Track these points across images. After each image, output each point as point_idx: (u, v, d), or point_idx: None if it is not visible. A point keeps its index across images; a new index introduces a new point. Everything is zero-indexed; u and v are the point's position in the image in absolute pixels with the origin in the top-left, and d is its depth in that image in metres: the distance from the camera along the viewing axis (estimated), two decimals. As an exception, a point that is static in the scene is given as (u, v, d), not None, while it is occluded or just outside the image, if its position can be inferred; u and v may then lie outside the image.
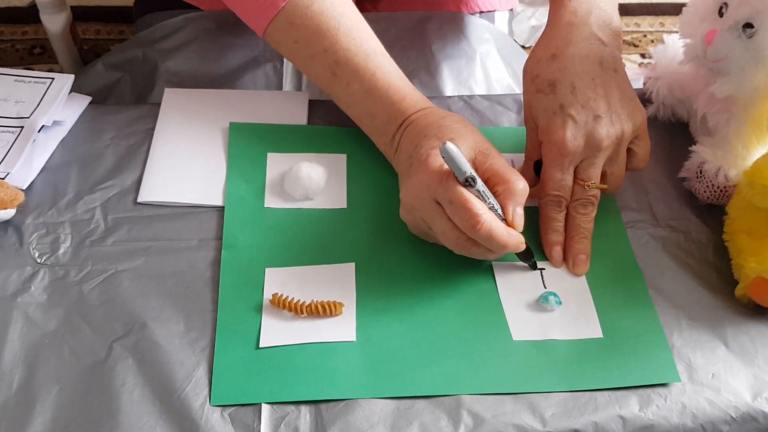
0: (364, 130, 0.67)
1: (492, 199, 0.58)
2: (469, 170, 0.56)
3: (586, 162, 0.62)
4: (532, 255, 0.62)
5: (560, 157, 0.61)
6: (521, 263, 0.63)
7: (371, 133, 0.67)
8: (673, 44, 0.75)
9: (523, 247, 0.59)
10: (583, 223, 0.63)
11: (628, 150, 0.64)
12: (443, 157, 0.56)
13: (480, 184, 0.57)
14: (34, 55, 1.42)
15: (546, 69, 0.62)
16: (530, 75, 0.63)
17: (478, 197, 0.57)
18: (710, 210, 0.68)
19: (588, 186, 0.62)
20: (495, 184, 0.59)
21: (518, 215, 0.58)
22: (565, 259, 0.63)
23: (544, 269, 0.63)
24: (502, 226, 0.57)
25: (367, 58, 0.64)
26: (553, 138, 0.61)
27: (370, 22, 0.83)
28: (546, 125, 0.62)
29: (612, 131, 0.61)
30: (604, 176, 0.64)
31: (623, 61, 0.66)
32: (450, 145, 0.55)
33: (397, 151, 0.63)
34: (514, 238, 0.58)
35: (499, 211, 0.58)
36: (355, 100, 0.65)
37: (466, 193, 0.56)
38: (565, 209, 0.63)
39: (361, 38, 0.65)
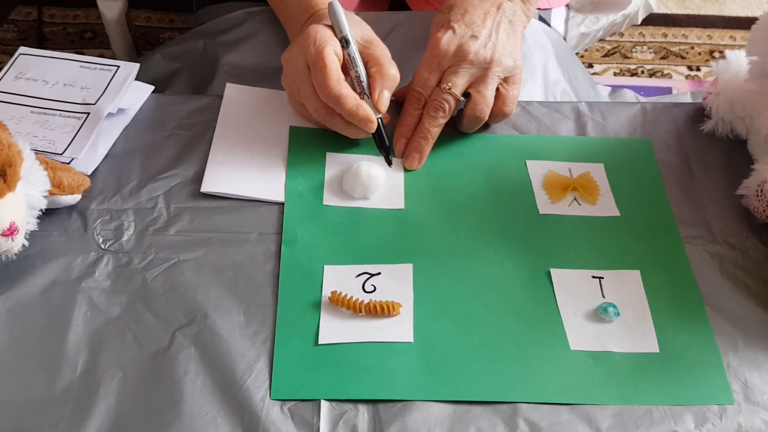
0: (279, 19, 0.76)
1: (360, 70, 0.67)
2: (347, 32, 0.65)
3: (451, 69, 0.68)
4: (387, 147, 0.68)
5: (431, 57, 0.68)
6: (577, 269, 0.63)
7: (285, 23, 0.75)
8: (735, 60, 0.74)
9: (372, 125, 0.65)
10: (428, 124, 0.68)
11: (498, 91, 0.70)
12: (328, 13, 0.66)
13: (353, 50, 0.66)
14: (85, 39, 1.42)
15: None
16: (440, 2, 0.72)
17: (348, 62, 0.66)
18: (768, 229, 0.67)
19: (443, 87, 0.67)
20: (370, 66, 0.67)
21: (384, 97, 0.67)
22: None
23: (602, 278, 0.63)
24: (353, 96, 0.64)
25: None
26: (431, 42, 0.69)
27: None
28: (432, 35, 0.69)
29: (482, 52, 0.68)
30: (470, 100, 0.69)
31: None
32: (336, 2, 0.65)
33: None
34: (363, 110, 0.64)
35: (365, 87, 0.67)
36: None
37: (329, 59, 0.64)
38: (423, 108, 0.69)
39: None
